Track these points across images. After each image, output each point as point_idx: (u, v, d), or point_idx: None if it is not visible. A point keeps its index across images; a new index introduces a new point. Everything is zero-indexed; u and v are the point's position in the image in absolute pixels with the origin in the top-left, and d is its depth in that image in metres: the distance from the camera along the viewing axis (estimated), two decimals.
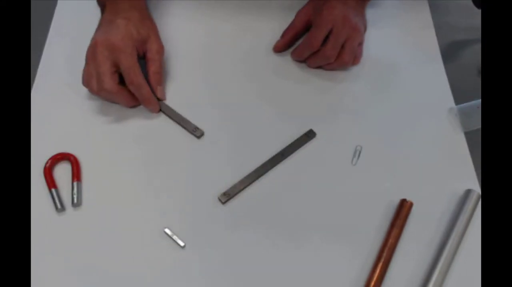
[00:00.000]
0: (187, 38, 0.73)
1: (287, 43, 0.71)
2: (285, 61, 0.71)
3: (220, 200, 0.59)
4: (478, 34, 1.75)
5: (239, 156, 0.62)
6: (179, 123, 0.64)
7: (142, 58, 0.65)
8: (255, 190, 0.60)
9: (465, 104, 0.67)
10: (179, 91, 0.68)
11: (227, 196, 0.59)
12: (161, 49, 0.66)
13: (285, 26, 0.72)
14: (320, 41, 0.66)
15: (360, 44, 0.69)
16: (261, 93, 0.68)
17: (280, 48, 0.72)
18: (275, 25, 0.73)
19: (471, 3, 1.45)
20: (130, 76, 0.61)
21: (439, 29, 0.77)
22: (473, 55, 1.76)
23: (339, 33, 0.65)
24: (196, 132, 0.63)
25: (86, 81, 0.62)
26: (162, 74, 0.66)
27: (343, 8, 0.66)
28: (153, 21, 0.69)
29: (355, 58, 0.69)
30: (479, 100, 0.66)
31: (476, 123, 0.65)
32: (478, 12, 1.44)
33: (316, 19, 0.67)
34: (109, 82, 0.60)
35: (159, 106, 0.65)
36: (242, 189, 0.59)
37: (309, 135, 0.64)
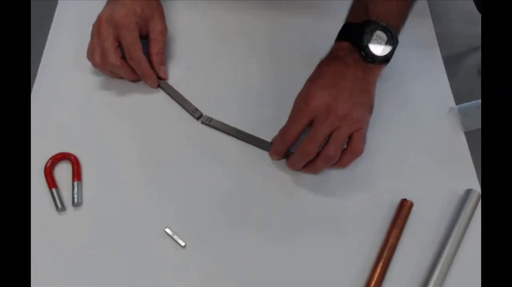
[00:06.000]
0: (192, 22, 0.74)
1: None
2: (290, 57, 0.71)
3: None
4: (478, 41, 1.76)
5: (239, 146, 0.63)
6: (180, 103, 0.65)
7: (145, 37, 0.66)
8: (255, 190, 0.60)
9: (465, 104, 0.67)
10: (181, 74, 0.69)
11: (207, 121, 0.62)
12: (164, 30, 0.67)
13: (286, 26, 0.72)
14: (294, 135, 0.56)
15: (359, 130, 0.56)
16: (265, 84, 0.68)
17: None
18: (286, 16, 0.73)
19: (471, 11, 1.46)
20: (130, 52, 0.63)
21: (440, 33, 0.77)
22: (473, 56, 1.76)
23: (320, 125, 0.55)
24: (196, 113, 0.64)
25: (90, 55, 0.64)
26: (165, 55, 0.68)
27: (330, 94, 0.55)
28: (160, 2, 0.69)
29: (351, 152, 0.56)
30: (479, 100, 0.66)
31: (476, 123, 0.66)
32: (478, 20, 1.45)
33: (295, 106, 0.57)
34: (113, 56, 0.62)
35: (157, 81, 0.67)
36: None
37: None
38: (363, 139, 0.57)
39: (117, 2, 0.64)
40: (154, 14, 0.66)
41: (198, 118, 0.64)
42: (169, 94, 0.66)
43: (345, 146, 0.57)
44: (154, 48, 0.66)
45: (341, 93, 0.55)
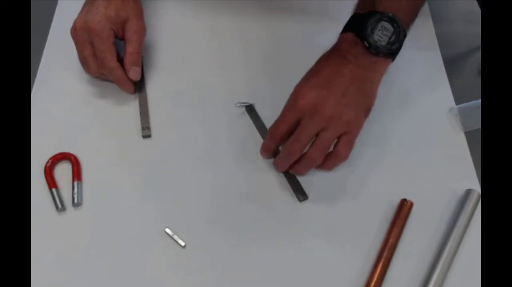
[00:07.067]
0: (184, 24, 0.74)
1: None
2: (280, 64, 0.71)
3: None
4: (478, 41, 1.76)
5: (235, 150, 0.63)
6: (140, 114, 0.64)
7: (123, 39, 0.66)
8: (254, 189, 0.60)
9: (465, 104, 0.67)
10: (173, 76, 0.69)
11: None
12: (139, 29, 0.65)
13: (282, 27, 0.72)
14: (281, 131, 0.55)
15: (347, 134, 0.54)
16: (262, 85, 0.68)
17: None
18: (273, 27, 0.73)
19: (471, 11, 1.46)
20: (102, 61, 0.62)
21: (440, 33, 0.77)
22: (473, 56, 1.77)
23: (305, 125, 0.53)
24: (144, 131, 0.63)
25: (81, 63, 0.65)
26: (140, 54, 0.66)
27: (319, 94, 0.53)
28: (138, 2, 0.67)
29: (334, 156, 0.55)
30: (479, 100, 0.66)
31: (476, 123, 0.66)
32: (478, 19, 1.45)
33: (286, 103, 0.55)
34: (93, 65, 0.63)
35: (133, 87, 0.66)
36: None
37: None
38: (349, 145, 0.55)
39: (91, 6, 0.63)
40: (129, 15, 0.64)
41: (144, 137, 0.63)
42: (139, 104, 0.65)
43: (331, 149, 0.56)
44: (129, 48, 0.64)
45: (331, 94, 0.53)
